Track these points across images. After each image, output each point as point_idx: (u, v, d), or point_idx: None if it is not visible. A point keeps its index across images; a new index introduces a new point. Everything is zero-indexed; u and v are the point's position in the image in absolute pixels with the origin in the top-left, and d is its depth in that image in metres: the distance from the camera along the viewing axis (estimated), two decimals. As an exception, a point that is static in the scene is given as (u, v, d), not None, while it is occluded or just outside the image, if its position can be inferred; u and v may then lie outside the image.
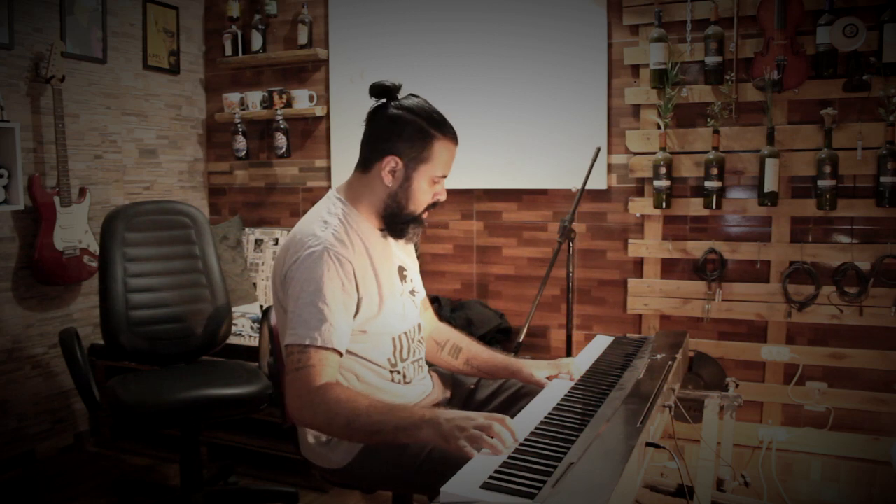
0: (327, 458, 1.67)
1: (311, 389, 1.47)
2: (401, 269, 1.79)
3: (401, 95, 1.69)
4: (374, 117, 1.69)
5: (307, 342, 1.49)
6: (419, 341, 1.83)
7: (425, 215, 1.73)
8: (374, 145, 1.68)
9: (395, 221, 1.70)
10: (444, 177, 1.70)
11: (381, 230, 1.73)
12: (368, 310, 1.63)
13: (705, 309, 2.98)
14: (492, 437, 1.31)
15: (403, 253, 1.83)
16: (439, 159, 1.66)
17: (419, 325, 1.83)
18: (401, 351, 1.73)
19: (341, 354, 1.54)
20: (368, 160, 1.69)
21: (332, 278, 1.54)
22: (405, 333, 1.75)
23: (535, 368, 1.86)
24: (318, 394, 1.46)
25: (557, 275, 3.00)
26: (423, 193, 1.69)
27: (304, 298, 1.53)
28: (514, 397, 1.86)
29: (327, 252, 1.56)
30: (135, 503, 2.79)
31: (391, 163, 1.65)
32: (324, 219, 1.66)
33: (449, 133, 1.67)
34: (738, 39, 2.84)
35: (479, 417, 1.36)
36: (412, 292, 1.81)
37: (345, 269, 1.57)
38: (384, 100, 1.68)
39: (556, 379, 1.80)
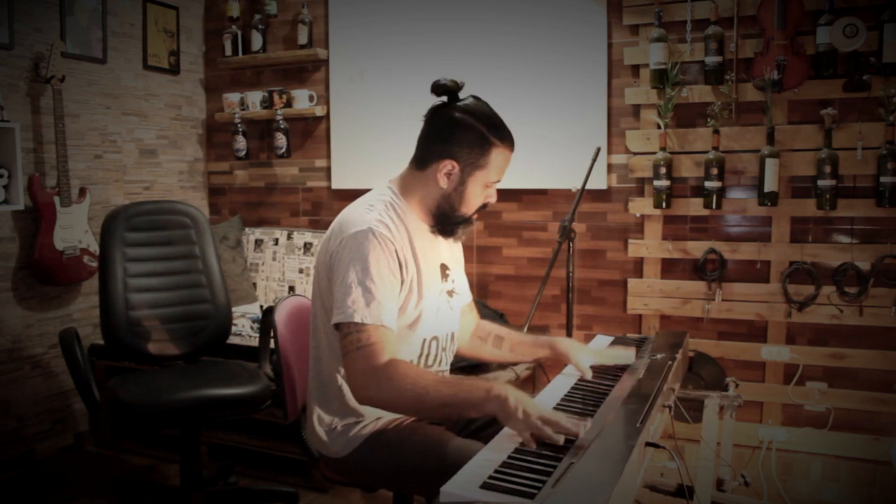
0: (329, 448, 1.68)
1: (377, 367, 1.47)
2: (443, 267, 1.77)
3: (462, 95, 1.68)
4: (434, 116, 1.68)
5: (357, 319, 1.50)
6: (451, 351, 1.81)
7: (475, 216, 1.74)
8: (433, 146, 1.67)
9: (446, 222, 1.70)
10: (498, 181, 1.70)
11: (431, 227, 1.73)
12: (407, 297, 1.63)
13: (705, 309, 2.98)
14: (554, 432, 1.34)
15: (449, 251, 1.82)
16: (495, 166, 1.66)
17: (453, 334, 1.80)
18: (426, 356, 1.72)
19: (393, 330, 1.55)
20: (425, 159, 1.68)
21: (378, 258, 1.55)
22: (436, 339, 1.73)
23: (581, 354, 1.84)
24: (384, 371, 1.47)
25: (557, 275, 2.99)
26: (476, 197, 1.69)
27: (351, 277, 1.53)
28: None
29: (372, 232, 1.56)
30: (135, 503, 2.79)
31: (448, 166, 1.65)
32: (370, 203, 1.67)
33: (507, 140, 1.66)
34: (738, 39, 2.84)
35: (547, 410, 1.39)
36: (450, 292, 1.78)
37: (388, 249, 1.57)
38: (445, 98, 1.68)
39: (556, 377, 1.80)
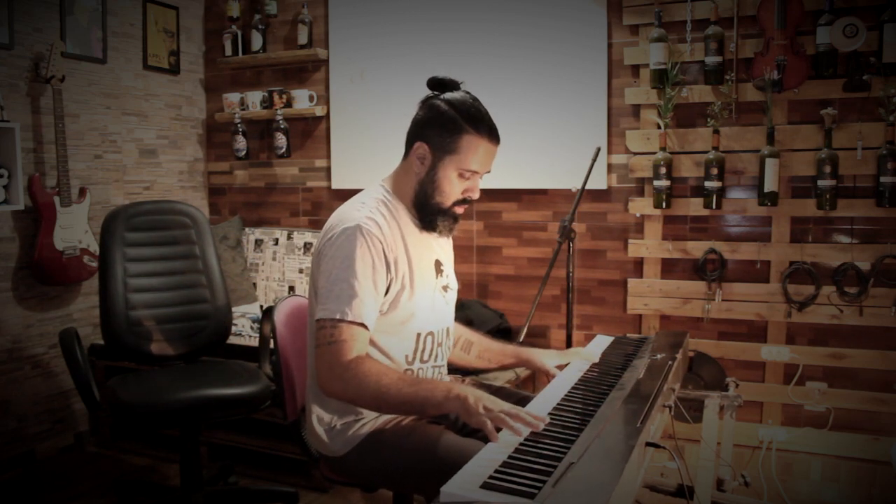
0: (328, 447, 1.69)
1: (342, 364, 1.51)
2: (437, 263, 1.79)
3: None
4: (419, 107, 1.72)
5: (338, 317, 1.53)
6: (447, 347, 1.82)
7: (459, 211, 1.73)
8: (411, 132, 1.71)
9: (424, 212, 1.71)
10: (478, 173, 1.69)
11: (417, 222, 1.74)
12: (399, 293, 1.64)
13: (705, 309, 2.98)
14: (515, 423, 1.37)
15: (440, 247, 1.83)
16: (468, 153, 1.65)
17: (448, 329, 1.82)
18: (422, 352, 1.73)
19: (369, 329, 1.57)
20: (406, 147, 1.72)
21: (364, 255, 1.57)
22: (431, 334, 1.74)
23: (545, 357, 1.92)
24: (349, 368, 1.50)
25: (557, 275, 2.99)
26: (450, 185, 1.68)
27: (335, 274, 1.56)
28: None
29: (359, 229, 1.59)
30: (135, 503, 2.79)
31: (420, 149, 1.67)
32: (362, 201, 1.70)
33: (483, 130, 1.66)
34: (738, 39, 2.84)
35: (507, 404, 1.42)
36: (445, 288, 1.80)
37: (376, 248, 1.59)
38: (436, 92, 1.71)
39: (556, 377, 1.81)
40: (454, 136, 1.64)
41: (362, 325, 1.55)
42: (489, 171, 1.72)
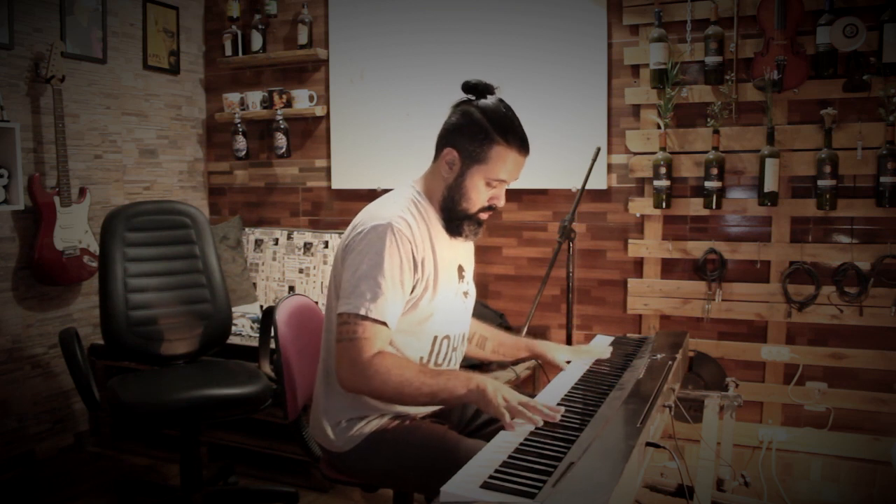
0: (332, 442, 1.69)
1: (363, 360, 1.52)
2: (460, 268, 1.79)
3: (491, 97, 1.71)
4: (452, 111, 1.72)
5: (361, 312, 1.53)
6: (461, 352, 1.83)
7: (483, 216, 1.73)
8: (441, 136, 1.71)
9: (450, 217, 1.71)
10: (505, 182, 1.69)
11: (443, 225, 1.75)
12: (422, 294, 1.65)
13: (705, 309, 2.98)
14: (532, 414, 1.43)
15: (465, 252, 1.84)
16: (497, 163, 1.65)
17: (464, 335, 1.83)
18: (437, 354, 1.73)
19: (391, 328, 1.58)
20: (436, 150, 1.72)
21: (393, 254, 1.57)
22: (447, 337, 1.74)
23: (556, 352, 1.97)
24: (370, 364, 1.51)
25: (557, 275, 3.00)
26: (477, 193, 1.68)
27: (362, 270, 1.56)
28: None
29: (391, 228, 1.59)
30: (135, 503, 2.79)
31: (449, 155, 1.67)
32: (393, 199, 1.71)
33: (513, 141, 1.65)
34: (738, 39, 2.84)
35: (523, 396, 1.48)
36: (465, 293, 1.81)
37: (405, 247, 1.59)
38: (472, 97, 1.71)
39: (556, 377, 1.81)
40: (484, 145, 1.64)
41: (384, 323, 1.55)
42: (517, 180, 1.72)
